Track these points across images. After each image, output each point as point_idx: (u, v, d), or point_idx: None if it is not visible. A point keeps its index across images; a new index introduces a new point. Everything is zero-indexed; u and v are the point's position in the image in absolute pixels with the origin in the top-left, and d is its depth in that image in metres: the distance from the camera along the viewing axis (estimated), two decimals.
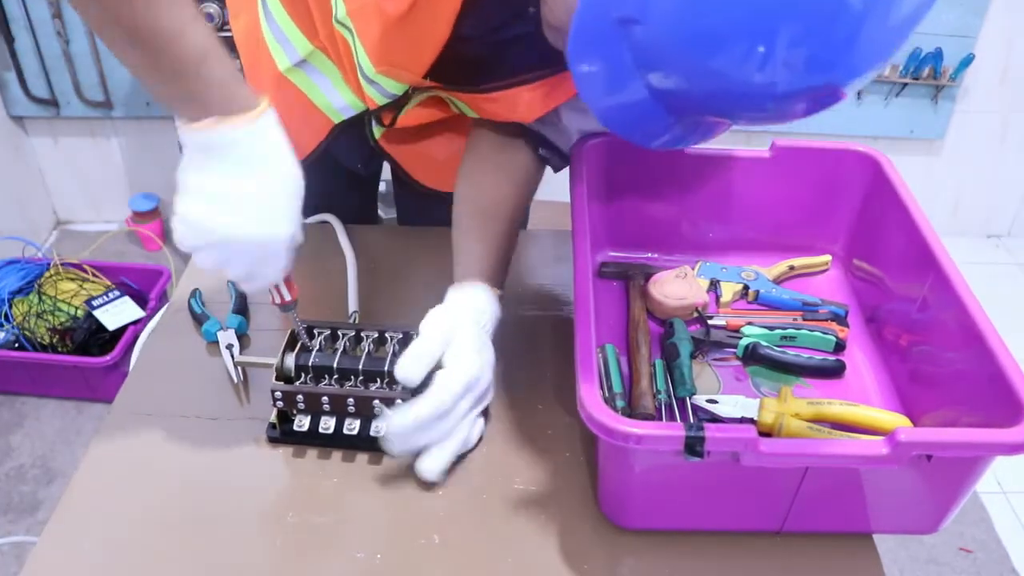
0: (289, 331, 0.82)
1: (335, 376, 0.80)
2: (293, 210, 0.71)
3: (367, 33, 0.81)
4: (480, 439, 0.82)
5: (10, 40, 2.13)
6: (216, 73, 0.65)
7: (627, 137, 0.68)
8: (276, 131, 0.69)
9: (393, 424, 0.74)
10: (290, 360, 0.80)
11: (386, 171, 1.17)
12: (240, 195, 0.68)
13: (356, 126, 0.99)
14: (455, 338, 0.78)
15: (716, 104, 0.62)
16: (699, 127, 0.69)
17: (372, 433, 0.80)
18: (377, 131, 1.01)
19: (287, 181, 0.70)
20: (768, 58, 0.54)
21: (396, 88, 0.87)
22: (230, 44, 1.16)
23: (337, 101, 0.96)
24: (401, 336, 0.83)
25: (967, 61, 2.26)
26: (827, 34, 0.53)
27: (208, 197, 0.68)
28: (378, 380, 0.80)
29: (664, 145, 0.69)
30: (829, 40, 0.53)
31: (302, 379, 0.81)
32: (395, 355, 0.79)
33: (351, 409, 0.79)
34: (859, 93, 2.32)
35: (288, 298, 0.78)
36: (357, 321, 0.94)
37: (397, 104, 0.91)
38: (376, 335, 0.84)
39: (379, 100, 0.90)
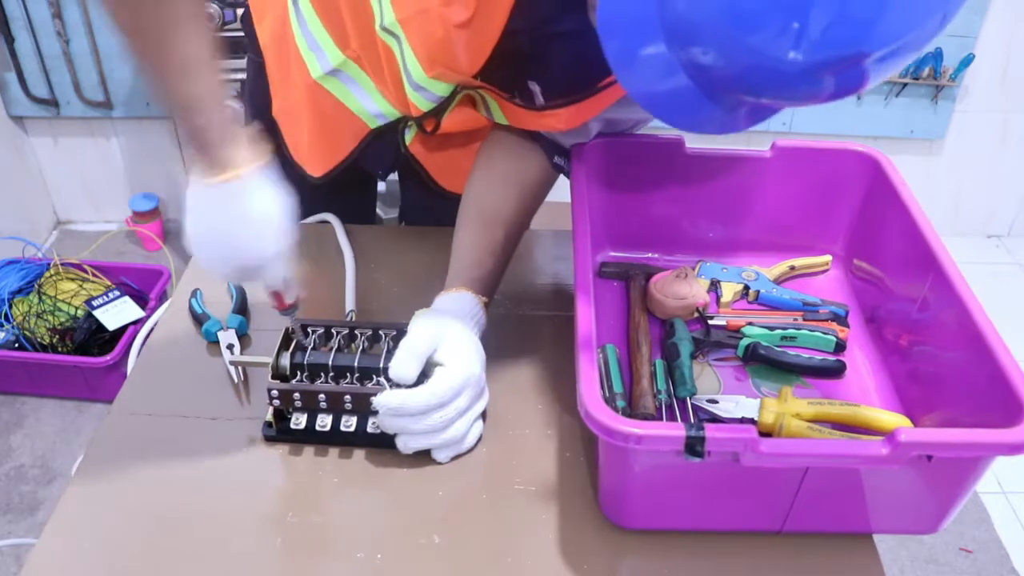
0: (283, 330, 0.82)
1: (331, 374, 0.80)
2: (253, 260, 0.73)
3: (422, 39, 0.81)
4: (479, 440, 0.82)
5: (10, 40, 2.13)
6: (208, 124, 0.67)
7: (669, 121, 0.67)
8: (252, 195, 0.70)
9: (380, 399, 0.75)
10: (285, 359, 0.80)
11: None
12: (212, 242, 0.72)
13: (385, 133, 1.00)
14: (446, 337, 0.79)
15: (749, 81, 0.61)
16: (740, 108, 0.68)
17: (369, 430, 0.80)
18: (408, 136, 1.02)
19: (249, 247, 0.72)
20: (802, 32, 0.54)
21: (444, 90, 0.88)
22: (233, 45, 1.16)
23: (371, 108, 0.97)
24: (395, 334, 0.83)
25: (967, 61, 2.26)
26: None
27: (194, 231, 0.72)
28: (374, 377, 0.80)
29: (708, 130, 0.68)
30: (861, 5, 0.53)
31: (298, 377, 0.81)
32: (390, 352, 0.79)
33: (348, 406, 0.79)
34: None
35: (289, 301, 0.78)
36: (353, 320, 0.93)
37: (439, 108, 0.92)
38: (370, 333, 0.84)
39: (425, 106, 0.90)
